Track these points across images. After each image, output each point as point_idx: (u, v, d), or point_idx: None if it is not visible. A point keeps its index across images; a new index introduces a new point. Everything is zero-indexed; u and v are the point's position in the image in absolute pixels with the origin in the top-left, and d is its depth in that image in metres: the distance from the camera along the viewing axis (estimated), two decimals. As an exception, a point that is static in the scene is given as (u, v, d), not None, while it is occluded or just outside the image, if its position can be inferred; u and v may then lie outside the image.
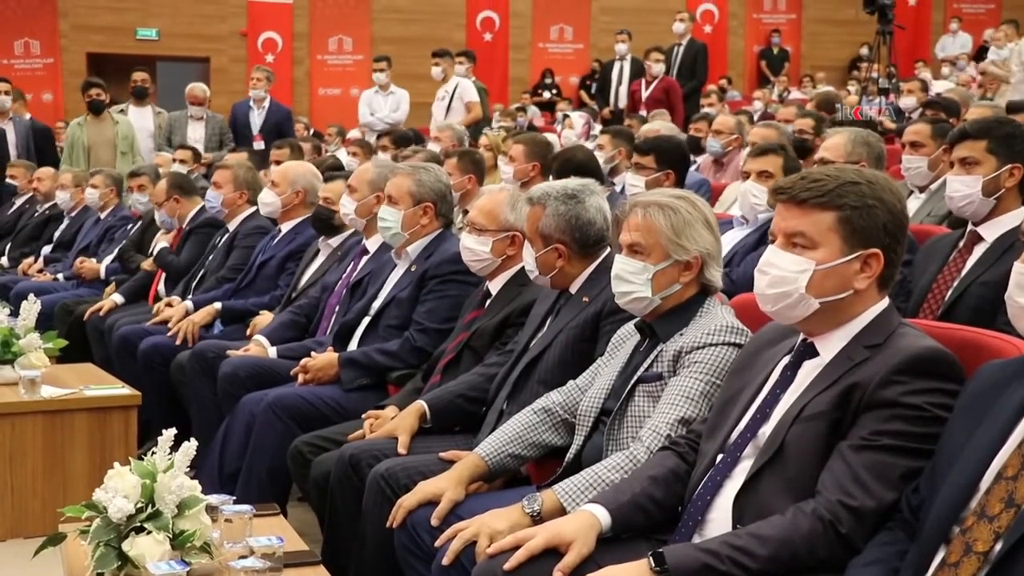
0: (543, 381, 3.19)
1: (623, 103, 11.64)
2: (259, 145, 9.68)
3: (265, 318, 5.02)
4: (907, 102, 9.41)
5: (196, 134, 9.85)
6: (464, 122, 9.95)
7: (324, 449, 3.57)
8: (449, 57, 10.69)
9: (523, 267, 3.70)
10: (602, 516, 2.32)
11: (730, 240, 4.41)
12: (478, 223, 3.74)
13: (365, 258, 4.71)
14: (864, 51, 17.44)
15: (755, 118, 10.54)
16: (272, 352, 4.50)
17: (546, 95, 17.02)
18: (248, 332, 5.02)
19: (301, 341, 4.58)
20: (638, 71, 11.52)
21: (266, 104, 10.17)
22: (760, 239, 4.26)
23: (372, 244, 4.71)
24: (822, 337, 2.28)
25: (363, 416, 3.59)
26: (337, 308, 4.63)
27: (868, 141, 4.56)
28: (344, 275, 4.76)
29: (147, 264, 6.48)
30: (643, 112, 10.42)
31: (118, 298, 6.16)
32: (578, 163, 5.28)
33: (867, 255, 2.23)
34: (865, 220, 2.22)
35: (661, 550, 2.12)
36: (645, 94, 10.83)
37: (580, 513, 2.35)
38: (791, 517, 2.08)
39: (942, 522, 1.90)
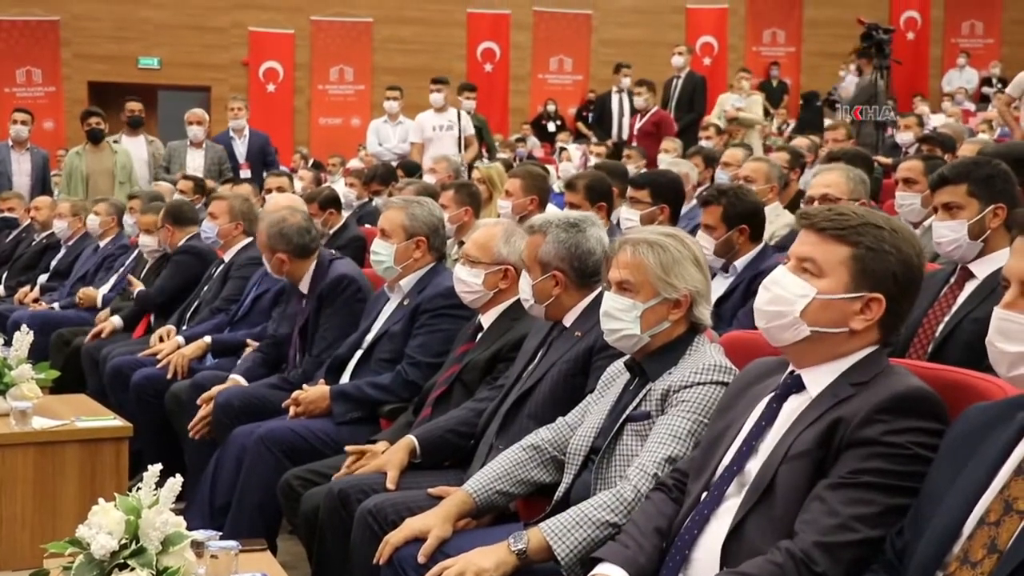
0: (533, 415, 3.19)
1: (626, 135, 11.70)
2: (246, 173, 9.72)
3: None
4: (904, 137, 9.44)
5: (195, 163, 9.85)
6: (468, 157, 9.94)
7: (314, 483, 3.56)
8: (448, 85, 10.68)
9: (515, 301, 3.72)
10: None
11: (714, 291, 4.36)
12: (471, 255, 3.75)
13: (304, 301, 4.77)
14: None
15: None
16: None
17: (551, 126, 17.06)
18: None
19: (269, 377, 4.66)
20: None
21: (246, 133, 10.24)
22: (745, 293, 4.17)
23: (304, 286, 4.78)
24: (810, 370, 2.28)
25: (346, 449, 3.57)
26: (296, 356, 4.70)
27: (863, 179, 4.60)
28: (297, 323, 4.80)
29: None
30: (634, 144, 10.44)
31: (117, 320, 6.13)
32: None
33: (870, 298, 2.23)
34: (877, 263, 2.22)
35: None
36: (636, 127, 10.88)
37: None
38: (768, 555, 2.08)
39: (926, 566, 1.89)
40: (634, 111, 11.38)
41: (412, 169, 9.08)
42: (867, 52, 11.72)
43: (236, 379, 4.69)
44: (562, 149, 11.47)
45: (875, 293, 2.23)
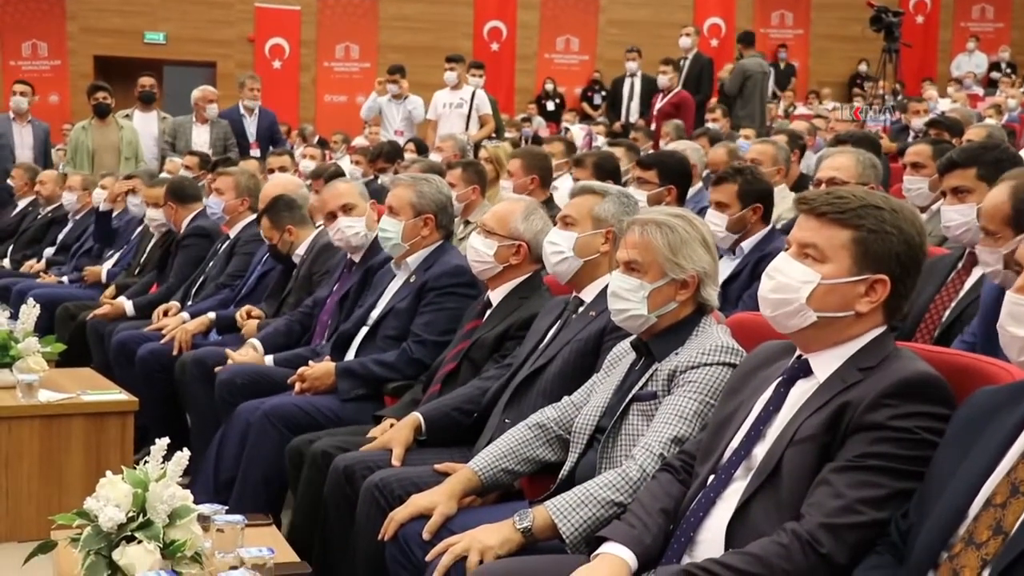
0: (544, 392, 3.20)
1: (634, 118, 11.71)
2: (256, 152, 9.72)
3: (253, 324, 5.04)
4: (917, 123, 9.39)
5: (201, 139, 9.84)
6: (479, 135, 9.94)
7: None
8: (463, 63, 10.70)
9: (525, 280, 3.74)
10: (631, 561, 2.30)
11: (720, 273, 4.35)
12: (488, 225, 3.77)
13: (352, 270, 4.76)
14: (863, 67, 17.62)
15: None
16: (268, 360, 4.51)
17: (550, 105, 17.05)
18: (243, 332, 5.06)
19: (296, 349, 4.59)
20: (649, 87, 11.60)
21: (257, 111, 10.23)
22: (752, 275, 4.20)
23: (358, 256, 4.76)
24: (817, 355, 2.28)
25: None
26: (329, 322, 4.66)
27: (875, 163, 4.58)
28: (335, 289, 4.79)
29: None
30: (652, 126, 10.44)
31: (129, 307, 6.02)
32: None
33: (874, 280, 2.23)
34: (879, 245, 2.22)
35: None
36: (657, 106, 10.87)
37: (612, 561, 2.29)
38: (774, 536, 2.09)
39: (931, 548, 1.90)
40: (655, 90, 11.36)
41: (424, 146, 9.08)
42: (746, 38, 11.92)
43: (254, 344, 4.65)
44: (566, 130, 11.48)
45: (879, 275, 2.23)
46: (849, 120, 8.68)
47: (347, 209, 4.73)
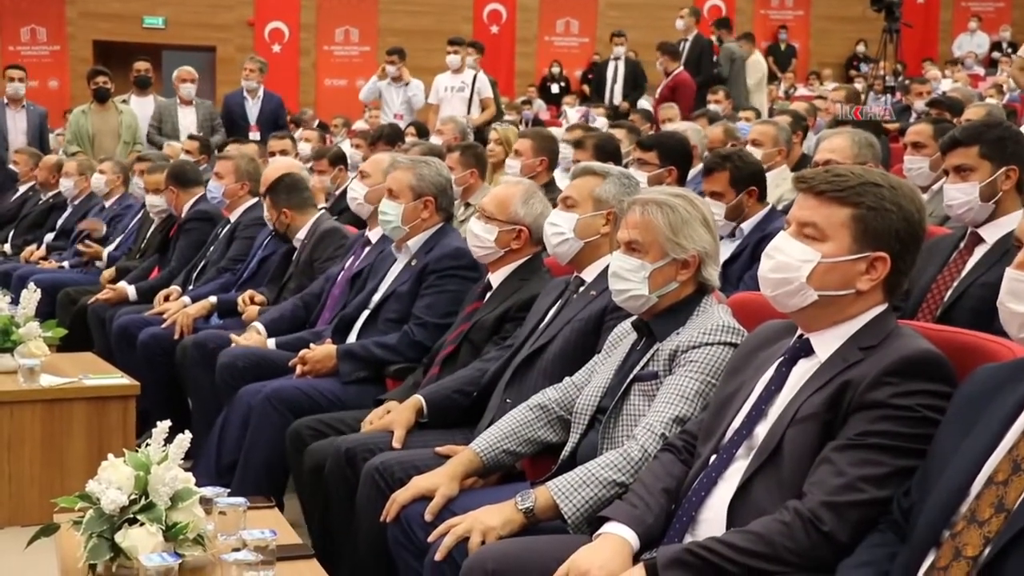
0: (544, 372, 3.20)
1: (617, 100, 11.73)
2: (255, 136, 9.67)
3: (254, 309, 5.03)
4: (920, 104, 9.37)
5: (187, 120, 9.78)
6: (481, 119, 9.91)
7: (323, 434, 3.59)
8: (465, 46, 10.67)
9: (525, 262, 3.73)
10: (633, 540, 2.30)
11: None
12: (488, 210, 3.75)
13: (367, 249, 4.73)
14: (860, 48, 17.57)
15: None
16: (271, 343, 4.51)
17: (554, 88, 17.03)
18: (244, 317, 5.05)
19: (299, 332, 4.58)
20: (632, 69, 11.59)
21: (260, 94, 10.16)
22: (752, 256, 4.19)
23: (374, 235, 4.72)
24: (818, 334, 2.28)
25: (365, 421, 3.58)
26: (339, 296, 4.64)
27: (871, 143, 4.55)
28: (347, 266, 4.77)
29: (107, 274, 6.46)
30: (651, 108, 10.44)
31: (131, 292, 6.02)
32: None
33: (874, 258, 2.22)
34: (878, 222, 2.21)
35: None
36: (658, 90, 10.89)
37: (614, 541, 2.29)
38: (776, 514, 2.09)
39: (933, 526, 1.90)
40: (639, 73, 11.38)
41: (424, 130, 9.06)
42: (724, 23, 11.95)
43: (257, 327, 4.64)
44: (560, 114, 11.54)
45: (879, 252, 2.22)
46: (850, 121, 8.64)
47: (363, 176, 4.87)
